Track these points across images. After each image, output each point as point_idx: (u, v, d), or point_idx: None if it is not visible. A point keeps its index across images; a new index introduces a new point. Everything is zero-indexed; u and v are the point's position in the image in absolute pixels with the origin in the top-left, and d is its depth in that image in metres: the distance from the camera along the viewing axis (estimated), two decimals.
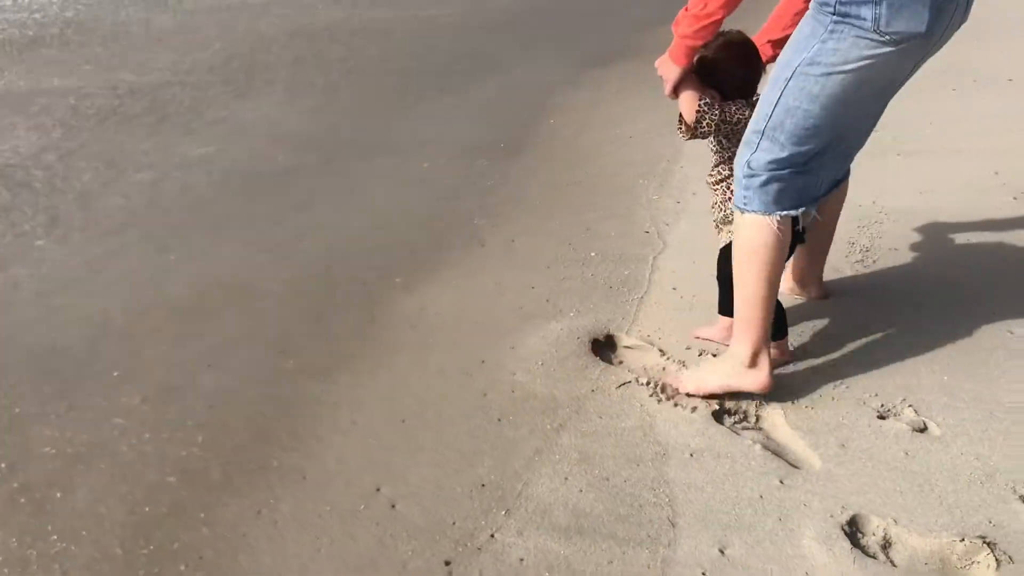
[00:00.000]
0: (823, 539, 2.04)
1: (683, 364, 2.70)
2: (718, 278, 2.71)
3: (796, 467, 2.28)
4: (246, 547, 2.18)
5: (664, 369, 2.67)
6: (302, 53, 6.79)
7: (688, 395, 2.49)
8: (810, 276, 2.87)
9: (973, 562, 1.97)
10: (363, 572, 2.07)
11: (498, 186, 4.16)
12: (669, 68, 2.45)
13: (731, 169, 2.48)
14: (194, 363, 3.00)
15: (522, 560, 2.06)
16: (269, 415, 2.68)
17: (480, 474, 2.34)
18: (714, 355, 2.70)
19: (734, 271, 2.41)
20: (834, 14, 2.07)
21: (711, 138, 2.54)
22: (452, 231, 3.75)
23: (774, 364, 2.51)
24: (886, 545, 2.04)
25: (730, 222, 2.54)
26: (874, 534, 2.06)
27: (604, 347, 2.86)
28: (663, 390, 2.53)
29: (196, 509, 2.32)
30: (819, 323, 2.81)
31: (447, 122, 5.11)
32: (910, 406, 2.44)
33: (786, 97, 2.18)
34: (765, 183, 2.28)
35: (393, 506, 2.27)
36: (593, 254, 3.43)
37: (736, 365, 2.42)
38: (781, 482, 2.22)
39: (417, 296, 3.26)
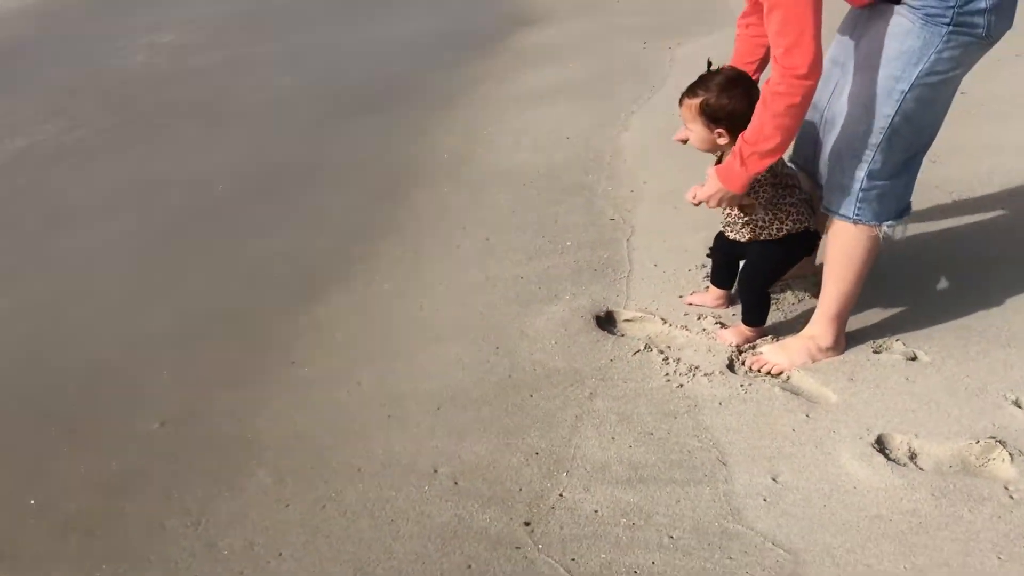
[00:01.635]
0: (859, 457, 2.27)
1: (685, 328, 2.90)
2: (712, 254, 2.93)
3: (815, 402, 2.52)
4: (323, 538, 2.25)
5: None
6: (212, 85, 6.71)
7: (778, 373, 2.64)
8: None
9: (990, 459, 2.24)
10: (449, 543, 2.18)
11: (453, 193, 4.28)
12: (722, 193, 2.49)
13: None
14: (203, 385, 3.01)
15: (596, 511, 2.21)
16: (301, 421, 2.74)
17: (530, 444, 2.48)
18: (720, 323, 2.90)
19: (832, 272, 2.54)
20: (950, 24, 2.18)
21: None
22: (423, 236, 3.86)
23: (750, 343, 2.78)
24: (912, 456, 2.29)
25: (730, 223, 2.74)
26: (899, 448, 2.32)
27: (605, 323, 3.04)
28: (748, 368, 2.69)
29: (260, 515, 2.37)
30: (809, 282, 3.06)
31: (380, 140, 5.18)
32: (898, 340, 2.72)
33: (904, 108, 2.28)
34: (881, 193, 2.41)
35: (456, 483, 2.38)
36: (568, 243, 3.61)
37: (820, 345, 2.64)
38: (807, 416, 2.45)
39: (410, 297, 3.35)
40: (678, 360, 2.74)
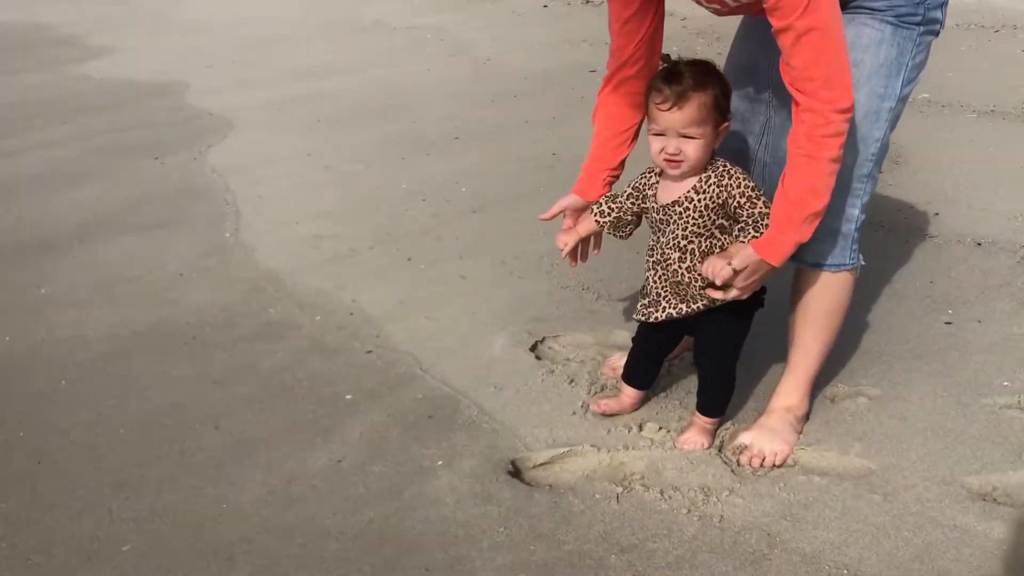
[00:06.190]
0: (978, 515, 2.01)
1: (630, 447, 2.28)
2: (637, 350, 2.36)
3: (863, 477, 2.15)
4: None
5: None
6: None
7: (782, 463, 2.16)
8: None
9: None
10: None
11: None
12: (764, 271, 1.97)
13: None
14: None
15: None
16: None
17: None
18: (662, 428, 2.36)
19: (813, 331, 2.17)
20: (920, 24, 1.96)
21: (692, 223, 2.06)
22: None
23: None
24: (992, 490, 2.08)
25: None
26: (983, 489, 2.10)
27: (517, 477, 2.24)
28: (752, 469, 2.16)
29: None
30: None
31: None
32: (836, 386, 2.49)
33: (889, 126, 2.01)
34: (862, 226, 2.11)
35: None
36: (349, 397, 2.62)
37: (798, 415, 2.25)
38: (872, 492, 2.09)
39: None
40: (674, 488, 2.11)
